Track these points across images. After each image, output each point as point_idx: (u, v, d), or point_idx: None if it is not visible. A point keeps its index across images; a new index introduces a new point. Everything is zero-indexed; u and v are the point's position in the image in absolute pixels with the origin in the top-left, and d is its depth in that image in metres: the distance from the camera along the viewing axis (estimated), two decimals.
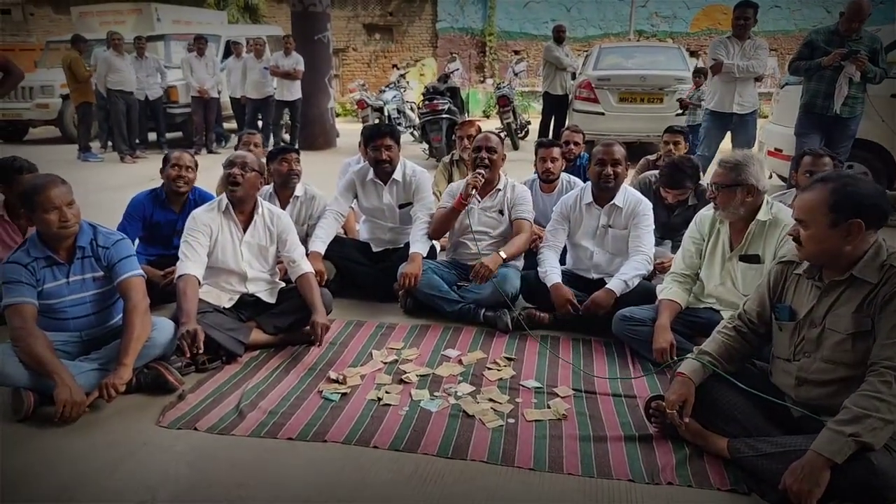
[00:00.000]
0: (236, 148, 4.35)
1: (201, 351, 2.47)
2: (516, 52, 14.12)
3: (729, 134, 5.48)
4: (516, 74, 10.39)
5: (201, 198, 3.41)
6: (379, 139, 3.33)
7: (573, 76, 8.34)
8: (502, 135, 3.93)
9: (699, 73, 7.03)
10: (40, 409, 2.24)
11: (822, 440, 1.64)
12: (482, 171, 3.18)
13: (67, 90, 8.85)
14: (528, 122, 9.70)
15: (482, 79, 14.43)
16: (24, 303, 2.26)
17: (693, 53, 11.55)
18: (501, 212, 3.31)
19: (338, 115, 10.66)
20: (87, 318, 2.47)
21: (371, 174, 3.45)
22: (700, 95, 6.84)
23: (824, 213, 1.73)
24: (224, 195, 2.86)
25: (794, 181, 3.27)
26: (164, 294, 3.10)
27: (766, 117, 7.19)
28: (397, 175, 3.42)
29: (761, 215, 2.48)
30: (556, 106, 8.13)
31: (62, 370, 2.19)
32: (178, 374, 2.45)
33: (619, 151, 3.07)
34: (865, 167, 5.29)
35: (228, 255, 2.81)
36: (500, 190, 3.31)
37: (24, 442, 2.10)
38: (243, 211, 2.84)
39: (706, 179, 3.67)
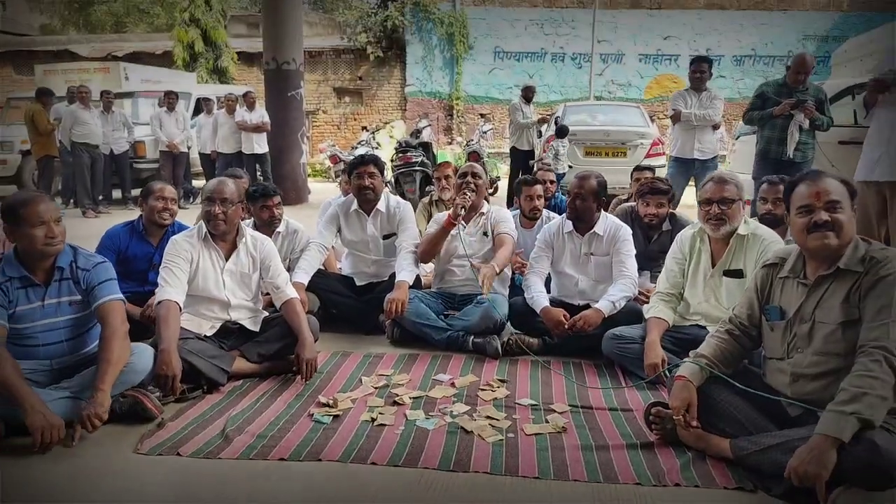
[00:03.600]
0: None
1: (178, 394, 2.39)
2: (482, 115, 14.65)
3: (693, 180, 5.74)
4: (483, 134, 10.78)
5: (180, 231, 3.34)
6: (363, 166, 3.38)
7: (539, 133, 8.68)
8: None
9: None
10: (7, 440, 2.08)
11: (824, 422, 1.66)
12: (468, 192, 3.27)
13: (28, 146, 8.69)
14: (498, 178, 9.95)
15: (450, 140, 14.86)
16: None
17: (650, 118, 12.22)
18: (486, 234, 3.38)
19: (308, 176, 10.74)
20: (59, 345, 2.33)
21: (355, 205, 3.46)
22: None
23: (848, 198, 1.85)
24: (203, 223, 2.81)
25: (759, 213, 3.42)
26: (142, 329, 2.98)
27: None
28: (381, 206, 3.45)
29: (741, 230, 2.59)
30: (522, 160, 8.44)
31: (32, 396, 2.03)
32: (157, 402, 2.33)
33: (589, 185, 3.12)
34: None
35: (210, 283, 2.74)
36: (483, 214, 3.42)
37: None
38: (226, 240, 2.79)
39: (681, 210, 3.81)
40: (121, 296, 2.39)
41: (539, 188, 3.87)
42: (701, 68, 5.49)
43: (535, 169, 5.26)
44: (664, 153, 8.32)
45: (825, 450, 1.62)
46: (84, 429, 2.04)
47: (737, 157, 6.39)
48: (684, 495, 1.81)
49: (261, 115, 8.89)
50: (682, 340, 2.71)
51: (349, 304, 3.39)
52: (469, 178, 3.33)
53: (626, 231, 3.17)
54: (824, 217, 1.83)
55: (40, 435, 1.96)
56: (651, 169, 4.67)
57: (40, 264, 2.26)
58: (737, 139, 6.61)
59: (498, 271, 3.08)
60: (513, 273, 3.62)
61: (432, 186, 7.71)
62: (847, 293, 1.82)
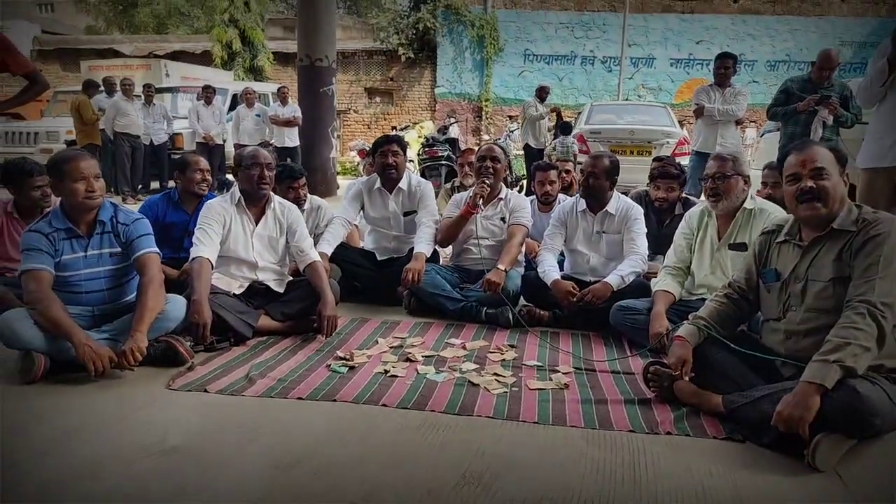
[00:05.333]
0: None
1: (207, 342, 2.57)
2: (511, 118, 14.77)
3: None
4: (510, 134, 11.01)
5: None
6: (387, 145, 3.53)
7: (553, 132, 8.93)
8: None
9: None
10: (51, 376, 2.28)
11: (809, 370, 1.74)
12: (486, 181, 3.37)
13: (73, 136, 9.11)
14: (524, 176, 10.07)
15: (478, 141, 15.01)
16: (41, 269, 2.33)
17: (679, 123, 12.20)
18: (503, 219, 3.47)
19: (337, 174, 10.98)
20: (101, 294, 2.53)
21: (378, 183, 3.62)
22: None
23: (836, 165, 1.94)
24: (236, 189, 3.00)
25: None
26: (177, 289, 3.17)
27: None
28: (403, 184, 3.59)
29: (748, 204, 2.67)
30: (534, 157, 8.69)
31: (80, 332, 2.25)
32: (189, 349, 2.51)
33: (602, 165, 3.22)
34: None
35: (240, 246, 2.93)
36: (501, 199, 3.50)
37: (32, 397, 2.15)
38: (256, 205, 2.98)
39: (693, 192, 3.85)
40: (157, 249, 2.58)
41: (553, 173, 3.95)
42: (725, 64, 5.53)
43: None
44: (690, 153, 8.32)
45: (810, 395, 1.70)
46: (125, 361, 2.23)
47: (760, 154, 6.39)
48: (675, 443, 1.90)
49: (293, 109, 9.16)
50: (687, 313, 2.75)
51: (370, 277, 3.54)
52: (487, 163, 3.41)
53: (638, 210, 3.26)
54: (809, 184, 1.92)
55: (91, 364, 2.17)
56: (668, 159, 4.72)
57: (83, 217, 2.46)
58: (762, 136, 6.61)
59: (505, 269, 3.16)
60: (528, 259, 3.70)
61: (457, 179, 7.95)
62: (839, 251, 1.91)
